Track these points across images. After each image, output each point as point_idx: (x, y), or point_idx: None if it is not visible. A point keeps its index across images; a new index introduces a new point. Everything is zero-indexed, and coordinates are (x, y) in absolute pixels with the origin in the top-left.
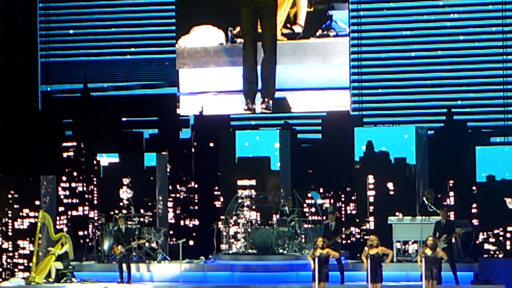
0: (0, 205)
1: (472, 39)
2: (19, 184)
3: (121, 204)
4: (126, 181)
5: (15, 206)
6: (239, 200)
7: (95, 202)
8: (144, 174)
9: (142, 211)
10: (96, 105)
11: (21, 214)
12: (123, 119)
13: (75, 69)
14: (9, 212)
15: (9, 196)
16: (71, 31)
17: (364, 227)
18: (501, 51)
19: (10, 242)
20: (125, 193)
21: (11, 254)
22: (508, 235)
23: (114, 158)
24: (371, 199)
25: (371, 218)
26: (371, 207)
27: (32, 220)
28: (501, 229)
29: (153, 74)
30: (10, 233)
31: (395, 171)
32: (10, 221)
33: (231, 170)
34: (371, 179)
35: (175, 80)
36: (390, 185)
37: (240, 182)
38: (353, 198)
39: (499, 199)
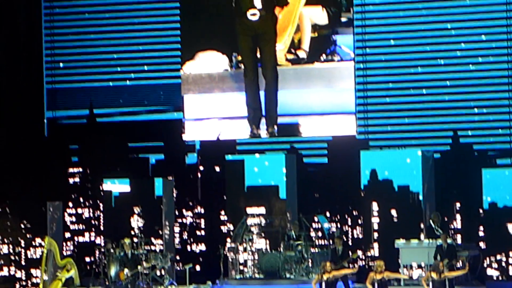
0: (13, 234)
1: (478, 62)
2: (30, 213)
3: (132, 232)
4: (137, 210)
5: (28, 235)
6: (246, 225)
7: (102, 228)
8: (154, 202)
9: (152, 239)
10: (102, 130)
11: (33, 243)
12: (129, 144)
13: (81, 95)
14: (22, 241)
15: (22, 225)
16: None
17: (368, 254)
18: (507, 74)
19: (23, 271)
20: (136, 222)
21: (24, 283)
22: (511, 260)
23: (125, 186)
24: (375, 226)
25: (376, 244)
26: (376, 234)
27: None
28: (503, 254)
29: (159, 99)
30: (23, 262)
31: (398, 198)
32: (23, 250)
33: (239, 196)
34: (375, 206)
35: (181, 106)
36: (393, 212)
37: (249, 210)
38: (359, 222)
39: (502, 223)
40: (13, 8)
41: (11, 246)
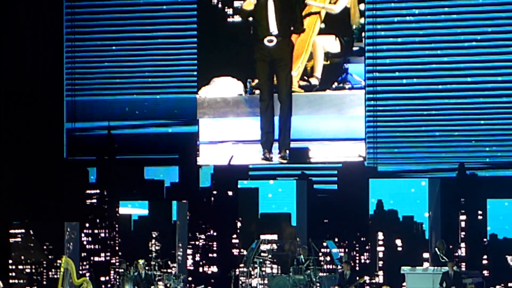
0: (35, 255)
1: (487, 95)
2: (51, 234)
3: (150, 256)
4: (154, 234)
5: (49, 256)
6: (257, 249)
7: (117, 248)
8: (170, 226)
9: (169, 262)
10: (118, 150)
11: (54, 264)
12: (145, 168)
13: (99, 109)
14: (44, 262)
15: (44, 246)
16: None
17: (373, 281)
18: None
19: None
20: (154, 245)
21: None
22: None
23: (144, 210)
24: (381, 255)
25: (381, 272)
26: (381, 262)
27: None
28: (502, 284)
29: (174, 115)
30: (44, 282)
31: (403, 229)
32: (44, 270)
33: (251, 222)
34: (380, 235)
35: (196, 132)
36: (398, 242)
37: (262, 236)
38: (367, 247)
39: (502, 255)
40: (35, 20)
41: (33, 266)
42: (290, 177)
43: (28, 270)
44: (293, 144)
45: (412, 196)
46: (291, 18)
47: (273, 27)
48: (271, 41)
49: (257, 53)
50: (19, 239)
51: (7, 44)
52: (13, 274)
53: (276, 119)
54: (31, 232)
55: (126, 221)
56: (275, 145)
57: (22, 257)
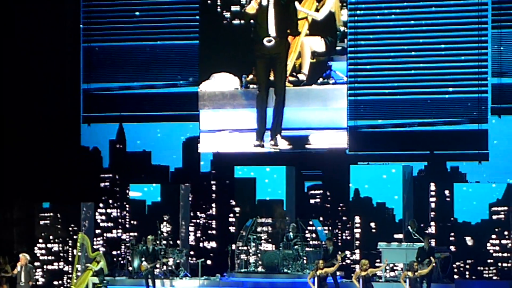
0: (62, 234)
1: (451, 91)
2: (74, 216)
3: (158, 232)
4: (166, 217)
5: (74, 236)
6: (251, 227)
7: (127, 226)
8: (178, 208)
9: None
10: (129, 139)
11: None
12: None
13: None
14: (69, 240)
15: (69, 228)
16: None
17: (352, 257)
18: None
19: (70, 266)
20: (165, 227)
21: (70, 275)
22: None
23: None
24: (357, 235)
25: (357, 250)
26: (357, 242)
27: None
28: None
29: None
30: (70, 258)
31: (376, 213)
32: (70, 248)
33: (247, 205)
34: (357, 219)
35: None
36: (372, 224)
37: (259, 220)
38: (348, 226)
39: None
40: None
41: (60, 244)
42: (280, 164)
43: (56, 248)
44: (283, 133)
45: (385, 181)
46: (288, 22)
47: (272, 30)
48: (270, 41)
49: (257, 52)
50: (47, 221)
51: None
52: (43, 251)
53: (270, 110)
54: (58, 215)
55: (141, 206)
56: (267, 133)
57: (51, 237)
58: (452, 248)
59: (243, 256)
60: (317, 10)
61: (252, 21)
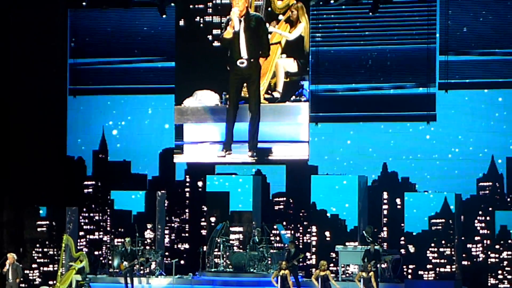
0: (57, 238)
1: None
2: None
3: (146, 242)
4: (149, 225)
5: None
6: (221, 231)
7: (108, 228)
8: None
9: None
10: (111, 149)
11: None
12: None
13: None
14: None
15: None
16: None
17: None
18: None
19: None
20: (148, 234)
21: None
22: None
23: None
24: (314, 243)
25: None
26: (313, 249)
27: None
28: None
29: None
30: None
31: (331, 223)
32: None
33: (217, 208)
34: (314, 228)
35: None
36: (327, 234)
37: (232, 229)
38: (308, 230)
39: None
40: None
41: (55, 249)
42: (249, 174)
43: (51, 252)
44: (259, 145)
45: (339, 191)
46: (259, 45)
47: (244, 52)
48: (242, 63)
49: (231, 72)
50: (44, 229)
51: None
52: (40, 255)
53: (247, 125)
54: (54, 224)
55: (127, 216)
56: (235, 145)
57: (47, 242)
58: (402, 251)
59: (213, 257)
60: (289, 31)
61: (228, 44)
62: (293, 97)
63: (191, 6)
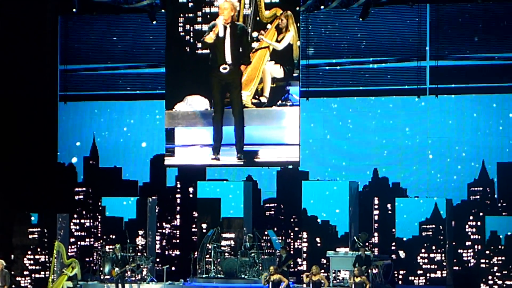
0: (49, 246)
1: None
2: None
3: (137, 248)
4: (140, 232)
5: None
6: (212, 237)
7: (99, 235)
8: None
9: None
10: (102, 156)
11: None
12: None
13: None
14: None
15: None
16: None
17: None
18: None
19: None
20: (140, 240)
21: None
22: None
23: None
24: (305, 249)
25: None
26: (304, 254)
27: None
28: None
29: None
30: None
31: (322, 230)
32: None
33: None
34: (305, 234)
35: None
36: (318, 239)
37: (223, 235)
38: (299, 236)
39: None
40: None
41: (46, 256)
42: (240, 179)
43: (42, 259)
44: (247, 148)
45: (329, 196)
46: (241, 53)
47: (228, 58)
48: (225, 68)
49: (214, 78)
50: (36, 235)
51: None
52: (31, 262)
53: (232, 128)
54: (45, 230)
55: (119, 222)
56: (223, 148)
57: (38, 249)
58: (394, 256)
59: (204, 263)
60: (277, 40)
61: (209, 49)
62: (279, 101)
63: (181, 14)
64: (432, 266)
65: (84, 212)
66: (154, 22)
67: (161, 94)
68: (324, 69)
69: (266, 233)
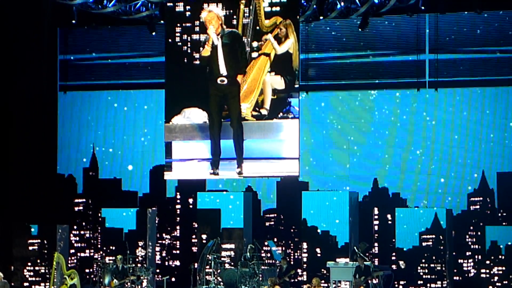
0: (48, 258)
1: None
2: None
3: (137, 260)
4: (140, 243)
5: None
6: (212, 247)
7: (99, 246)
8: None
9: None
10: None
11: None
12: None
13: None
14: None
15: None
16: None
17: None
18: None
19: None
20: (140, 251)
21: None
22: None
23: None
24: (305, 259)
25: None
26: (305, 265)
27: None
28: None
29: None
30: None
31: (322, 240)
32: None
33: (211, 232)
34: (305, 245)
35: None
36: (318, 250)
37: (223, 246)
38: (299, 246)
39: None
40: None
41: (46, 268)
42: (240, 190)
43: (42, 271)
44: (248, 162)
45: (329, 207)
46: (237, 61)
47: (223, 69)
48: (222, 80)
49: (211, 90)
50: (36, 247)
51: None
52: (31, 273)
53: (231, 142)
54: (45, 242)
55: (119, 233)
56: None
57: (38, 260)
58: (394, 267)
59: (204, 274)
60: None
61: (207, 62)
62: (281, 114)
63: (178, 24)
64: (433, 276)
65: (84, 223)
66: (154, 33)
67: (161, 106)
68: (323, 63)
69: (266, 243)
